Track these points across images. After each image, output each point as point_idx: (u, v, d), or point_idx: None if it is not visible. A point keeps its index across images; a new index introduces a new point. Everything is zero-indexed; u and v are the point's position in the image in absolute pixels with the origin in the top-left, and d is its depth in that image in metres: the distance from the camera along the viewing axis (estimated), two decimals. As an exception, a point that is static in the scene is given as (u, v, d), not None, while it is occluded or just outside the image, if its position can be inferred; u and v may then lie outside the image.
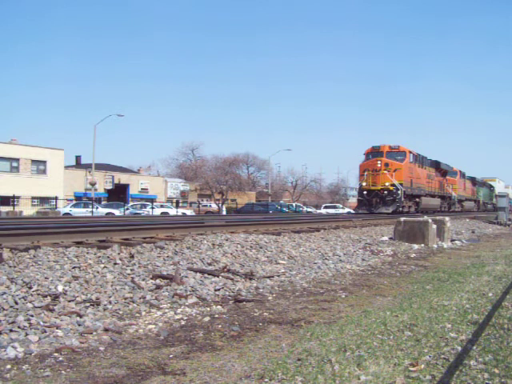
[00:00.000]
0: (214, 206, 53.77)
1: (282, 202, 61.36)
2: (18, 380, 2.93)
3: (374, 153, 29.33)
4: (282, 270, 7.18)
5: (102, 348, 3.56)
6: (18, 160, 47.48)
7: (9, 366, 3.12)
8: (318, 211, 54.66)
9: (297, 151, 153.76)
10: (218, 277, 6.10)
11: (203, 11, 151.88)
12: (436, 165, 36.05)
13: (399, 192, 27.58)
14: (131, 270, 5.87)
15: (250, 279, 6.31)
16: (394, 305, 5.18)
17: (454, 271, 7.91)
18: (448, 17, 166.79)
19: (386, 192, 27.77)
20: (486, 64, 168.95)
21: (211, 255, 7.27)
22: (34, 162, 48.82)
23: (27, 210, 37.45)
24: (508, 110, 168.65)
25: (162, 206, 44.71)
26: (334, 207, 57.56)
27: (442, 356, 3.45)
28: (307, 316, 4.67)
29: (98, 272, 5.55)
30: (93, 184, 46.09)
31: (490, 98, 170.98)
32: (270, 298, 5.51)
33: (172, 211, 41.72)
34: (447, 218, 14.18)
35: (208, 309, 4.87)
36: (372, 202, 28.25)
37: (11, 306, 4.18)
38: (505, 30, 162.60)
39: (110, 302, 4.67)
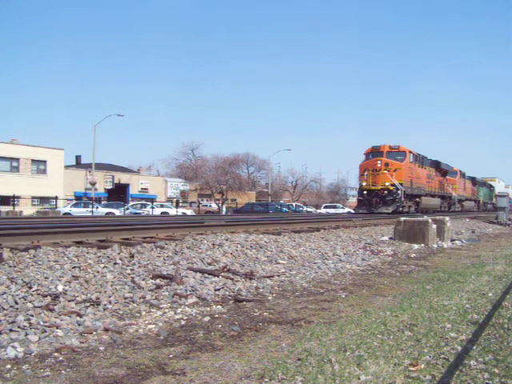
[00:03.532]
0: (214, 206, 53.77)
1: (282, 201, 61.35)
2: (17, 380, 2.93)
3: (374, 153, 29.33)
4: (282, 270, 7.18)
5: (101, 348, 3.56)
6: (18, 160, 47.49)
7: (9, 366, 3.12)
8: (318, 211, 54.65)
9: (297, 151, 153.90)
10: (218, 277, 6.10)
11: (204, 11, 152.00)
12: (436, 165, 36.05)
13: (399, 192, 27.57)
14: (131, 269, 5.87)
15: (250, 279, 6.31)
16: (394, 305, 5.18)
17: (454, 271, 7.91)
18: (448, 17, 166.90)
19: (386, 192, 27.77)
20: (486, 64, 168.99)
21: (211, 255, 7.27)
22: (34, 161, 48.84)
23: (27, 209, 37.43)
24: (508, 110, 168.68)
25: (161, 206, 44.69)
26: (334, 207, 57.53)
27: (442, 356, 3.45)
28: (307, 316, 4.67)
29: (97, 272, 5.55)
30: (93, 184, 46.10)
31: (490, 98, 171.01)
32: (269, 297, 5.51)
33: (172, 211, 41.71)
34: (447, 218, 14.17)
35: (208, 309, 4.87)
36: (372, 201, 28.25)
37: (11, 306, 4.17)
38: (505, 30, 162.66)
39: (110, 302, 4.67)
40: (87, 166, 53.22)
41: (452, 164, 40.86)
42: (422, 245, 12.20)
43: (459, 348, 3.63)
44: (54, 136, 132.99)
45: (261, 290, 5.84)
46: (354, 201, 63.14)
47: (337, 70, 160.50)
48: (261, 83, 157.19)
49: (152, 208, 40.20)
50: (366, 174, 28.67)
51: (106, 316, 4.34)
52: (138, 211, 39.84)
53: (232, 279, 6.12)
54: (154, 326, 4.20)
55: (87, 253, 6.28)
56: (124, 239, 7.95)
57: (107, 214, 35.24)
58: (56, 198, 40.61)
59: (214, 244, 8.04)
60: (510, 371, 3.16)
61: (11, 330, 3.71)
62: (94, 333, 3.88)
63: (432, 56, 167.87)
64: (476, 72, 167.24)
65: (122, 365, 3.25)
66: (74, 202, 42.47)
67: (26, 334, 3.67)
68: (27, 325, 3.83)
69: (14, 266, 5.31)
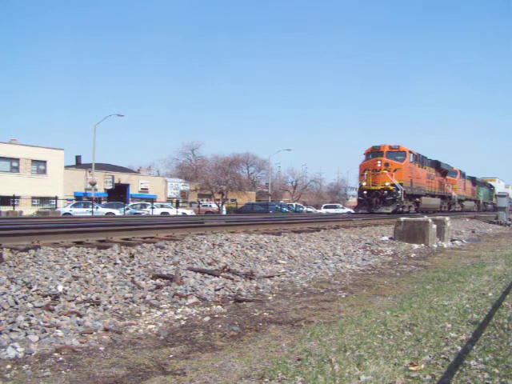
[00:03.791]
0: (214, 206, 53.77)
1: (282, 201, 61.35)
2: (18, 380, 2.93)
3: (374, 153, 29.34)
4: (282, 270, 7.18)
5: (102, 348, 3.56)
6: (18, 160, 47.51)
7: (9, 366, 3.12)
8: (318, 211, 54.65)
9: (297, 151, 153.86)
10: (218, 277, 6.10)
11: (204, 11, 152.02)
12: (436, 165, 36.06)
13: (399, 192, 27.58)
14: (131, 269, 5.87)
15: (250, 279, 6.31)
16: (394, 304, 5.18)
17: (454, 271, 7.91)
18: (448, 17, 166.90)
19: (386, 192, 27.77)
20: (486, 64, 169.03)
21: (211, 255, 7.27)
22: (34, 161, 48.86)
23: (27, 210, 37.43)
24: (508, 110, 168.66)
25: (162, 206, 44.70)
26: (334, 207, 57.54)
27: (442, 356, 3.45)
28: (307, 316, 4.67)
29: (97, 272, 5.55)
30: (93, 184, 46.10)
31: (490, 98, 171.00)
32: (270, 297, 5.51)
33: (172, 211, 41.72)
34: (447, 218, 14.17)
35: (208, 309, 4.87)
36: (372, 201, 28.25)
37: (11, 306, 4.17)
38: (505, 30, 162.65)
39: (110, 302, 4.67)
40: (87, 166, 53.23)
41: (452, 164, 40.92)
42: (422, 245, 12.20)
43: (459, 348, 3.63)
44: (53, 136, 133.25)
45: (261, 290, 5.84)
46: (354, 201, 63.13)
47: (337, 70, 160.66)
48: (261, 83, 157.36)
49: (152, 208, 40.22)
50: (366, 173, 28.68)
51: (106, 316, 4.34)
52: (138, 211, 39.85)
53: (232, 279, 6.12)
54: (154, 326, 4.20)
55: (87, 253, 6.28)
56: (124, 239, 7.95)
57: (107, 214, 35.25)
58: (56, 198, 40.61)
59: (214, 244, 8.04)
60: (510, 371, 3.16)
61: (11, 330, 3.71)
62: (94, 333, 3.88)
63: (432, 56, 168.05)
64: (476, 72, 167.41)
65: (122, 365, 3.25)
66: (74, 202, 42.48)
67: (26, 334, 3.67)
68: (27, 325, 3.82)
69: (14, 266, 5.31)
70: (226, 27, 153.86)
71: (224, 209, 52.69)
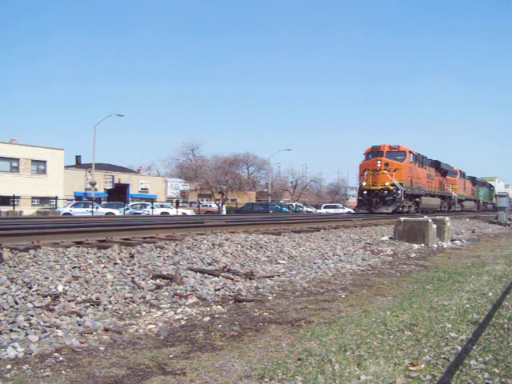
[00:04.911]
0: (214, 206, 53.76)
1: (282, 201, 61.34)
2: (18, 380, 2.93)
3: (374, 153, 29.34)
4: (282, 270, 7.18)
5: (102, 348, 3.56)
6: (18, 160, 47.52)
7: (9, 366, 3.12)
8: (318, 211, 54.64)
9: (297, 151, 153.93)
10: (218, 277, 6.10)
11: (203, 11, 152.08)
12: (436, 165, 36.07)
13: (399, 192, 27.58)
14: (131, 269, 5.87)
15: (250, 279, 6.31)
16: (394, 304, 5.18)
17: (454, 271, 7.91)
18: (448, 16, 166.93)
19: (386, 192, 27.78)
20: (485, 63, 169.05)
21: (211, 255, 7.27)
22: (34, 161, 48.87)
23: (27, 210, 37.43)
24: (508, 110, 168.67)
25: (162, 206, 44.72)
26: (334, 207, 57.53)
27: (442, 356, 3.45)
28: (307, 316, 4.67)
29: (98, 272, 5.55)
30: (93, 184, 46.11)
31: (490, 98, 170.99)
32: (270, 297, 5.51)
33: (172, 211, 41.73)
34: (447, 218, 14.17)
35: (208, 309, 4.87)
36: (372, 201, 28.26)
37: (11, 306, 4.17)
38: (505, 30, 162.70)
39: (110, 302, 4.67)
40: (87, 166, 53.26)
41: (452, 164, 40.93)
42: (422, 245, 12.20)
43: (459, 348, 3.63)
44: (53, 136, 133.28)
45: (261, 290, 5.84)
46: (354, 201, 63.10)
47: (337, 70, 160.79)
48: (261, 83, 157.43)
49: (152, 208, 40.21)
50: (365, 173, 28.68)
51: (106, 316, 4.34)
52: (137, 211, 39.85)
53: (232, 279, 6.12)
54: (154, 326, 4.20)
55: (87, 253, 6.28)
56: (124, 239, 7.95)
57: (107, 214, 35.25)
58: (56, 198, 40.62)
59: (213, 244, 8.04)
60: (510, 371, 3.16)
61: (11, 330, 3.71)
62: (94, 333, 3.88)
63: (432, 56, 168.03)
64: (476, 71, 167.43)
65: (122, 365, 3.24)
66: (74, 202, 42.47)
67: (26, 334, 3.67)
68: (27, 325, 3.82)
69: (14, 266, 5.31)
70: (226, 27, 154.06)
71: (224, 209, 52.69)
